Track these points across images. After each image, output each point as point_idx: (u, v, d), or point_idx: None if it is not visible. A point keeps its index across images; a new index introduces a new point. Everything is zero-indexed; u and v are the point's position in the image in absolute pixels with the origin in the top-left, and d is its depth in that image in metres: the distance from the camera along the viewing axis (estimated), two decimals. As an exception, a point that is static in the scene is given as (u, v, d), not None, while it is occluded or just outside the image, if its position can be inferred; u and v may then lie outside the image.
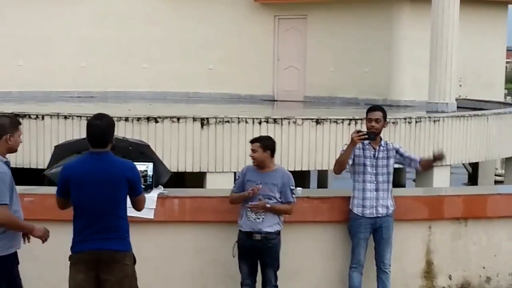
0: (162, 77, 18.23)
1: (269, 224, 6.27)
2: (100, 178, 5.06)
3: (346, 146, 6.59)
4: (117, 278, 5.07)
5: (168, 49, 18.31)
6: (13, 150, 5.40)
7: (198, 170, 11.36)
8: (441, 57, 13.97)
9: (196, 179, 11.75)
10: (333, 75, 18.16)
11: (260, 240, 6.26)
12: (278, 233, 6.33)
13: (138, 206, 5.31)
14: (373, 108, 6.85)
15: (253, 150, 6.37)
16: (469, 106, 15.51)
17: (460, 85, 16.82)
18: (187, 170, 11.39)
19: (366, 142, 6.66)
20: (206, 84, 18.46)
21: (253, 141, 6.46)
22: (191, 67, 18.34)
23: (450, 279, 7.23)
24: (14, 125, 5.39)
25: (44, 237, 5.36)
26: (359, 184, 6.69)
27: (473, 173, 17.23)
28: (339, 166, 6.63)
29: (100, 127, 5.16)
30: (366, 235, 6.70)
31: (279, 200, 6.29)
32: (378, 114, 6.72)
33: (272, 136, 10.97)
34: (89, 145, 5.18)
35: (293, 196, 6.36)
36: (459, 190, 9.33)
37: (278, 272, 6.39)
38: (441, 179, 12.48)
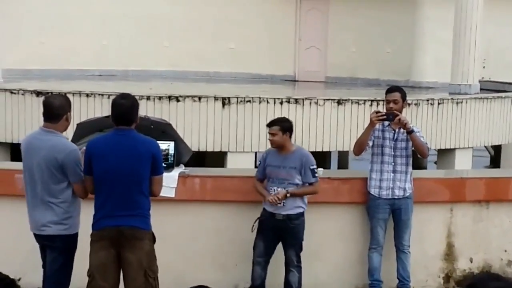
0: (183, 56, 18.20)
1: (291, 207, 6.25)
2: (124, 152, 5.09)
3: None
4: (137, 256, 5.10)
5: (190, 28, 18.26)
6: (66, 129, 5.52)
7: (219, 150, 11.37)
8: (465, 38, 13.83)
9: (217, 158, 11.76)
10: (355, 56, 18.06)
11: (282, 220, 6.25)
12: (301, 214, 6.31)
13: (155, 187, 5.23)
14: (391, 89, 6.82)
15: (272, 134, 6.31)
16: (492, 88, 15.35)
17: (484, 67, 16.65)
18: (208, 150, 11.41)
19: (386, 123, 6.63)
20: (227, 64, 18.41)
21: (271, 124, 6.38)
22: (212, 46, 18.29)
23: (471, 262, 7.20)
24: (69, 103, 5.53)
25: None
26: (377, 165, 6.67)
27: (495, 156, 17.10)
28: (359, 147, 6.62)
29: (125, 106, 5.18)
30: (384, 216, 6.68)
31: (300, 182, 6.24)
32: (396, 95, 6.68)
33: (293, 117, 11.02)
34: (113, 123, 5.21)
35: (316, 175, 6.29)
36: (481, 172, 9.29)
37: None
38: (463, 161, 12.42)
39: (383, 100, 11.60)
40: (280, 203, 6.20)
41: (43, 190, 5.38)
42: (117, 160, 5.07)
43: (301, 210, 6.30)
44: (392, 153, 6.64)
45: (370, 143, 6.65)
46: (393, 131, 6.65)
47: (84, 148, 5.44)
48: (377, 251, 6.72)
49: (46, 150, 5.33)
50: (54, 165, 5.31)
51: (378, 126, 6.67)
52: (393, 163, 6.64)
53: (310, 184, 6.29)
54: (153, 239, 5.26)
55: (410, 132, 6.56)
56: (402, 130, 6.66)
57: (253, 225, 6.39)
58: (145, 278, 5.13)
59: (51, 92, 11.29)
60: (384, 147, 6.65)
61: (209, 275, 6.79)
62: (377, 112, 6.55)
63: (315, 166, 6.33)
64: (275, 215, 6.26)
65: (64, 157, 5.29)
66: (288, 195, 6.17)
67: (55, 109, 5.41)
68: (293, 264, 6.35)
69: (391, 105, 6.64)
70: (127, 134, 5.16)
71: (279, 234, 6.32)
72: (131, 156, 5.09)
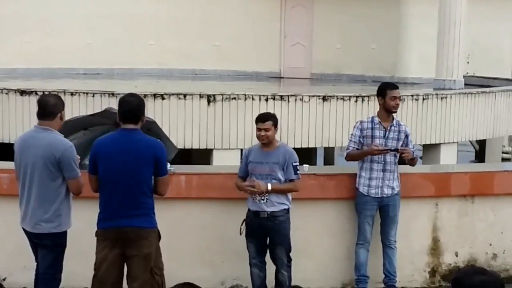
0: (168, 54, 18.18)
1: (275, 204, 6.22)
2: (128, 153, 5.15)
3: (357, 139, 6.63)
4: (142, 254, 5.17)
5: (175, 26, 18.23)
6: (60, 127, 5.57)
7: (204, 147, 11.37)
8: (449, 33, 13.90)
9: (203, 156, 11.76)
10: (340, 52, 18.10)
11: (266, 218, 6.21)
12: (286, 211, 6.27)
13: (161, 188, 5.30)
14: (393, 85, 6.84)
15: (265, 129, 6.23)
16: (477, 83, 15.43)
17: (468, 62, 16.73)
18: (194, 147, 11.40)
19: (377, 121, 6.66)
20: (212, 61, 18.40)
21: (264, 120, 6.30)
22: (198, 44, 18.28)
23: (457, 256, 7.23)
24: (63, 103, 5.61)
25: None
26: (366, 164, 6.67)
27: (480, 150, 17.20)
28: (351, 159, 6.71)
29: (133, 103, 5.28)
30: (372, 213, 6.70)
31: (283, 178, 6.22)
32: (399, 92, 6.74)
33: (279, 114, 11.03)
34: (120, 121, 5.26)
35: (298, 172, 6.26)
36: (466, 167, 9.32)
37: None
38: (448, 156, 12.48)
39: (368, 96, 11.69)
40: (263, 197, 6.15)
41: (39, 187, 5.41)
42: (121, 161, 5.14)
43: (285, 207, 6.26)
44: None
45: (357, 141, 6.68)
46: (384, 129, 6.65)
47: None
48: (364, 247, 6.74)
49: (43, 147, 5.37)
50: (52, 162, 5.35)
51: (367, 124, 6.69)
52: (383, 162, 6.63)
53: (291, 180, 6.24)
54: (159, 237, 5.34)
55: (412, 159, 6.62)
56: (393, 128, 6.67)
57: (241, 228, 6.33)
58: (151, 275, 5.22)
59: (36, 91, 11.24)
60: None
61: (196, 272, 6.79)
62: (384, 149, 6.53)
63: (297, 163, 6.27)
64: (259, 213, 6.22)
65: (61, 153, 5.34)
66: (269, 188, 6.12)
67: (50, 107, 5.47)
68: (282, 264, 6.28)
69: (397, 101, 6.69)
70: (132, 135, 5.22)
71: (265, 232, 6.28)
72: (134, 158, 5.14)
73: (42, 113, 5.49)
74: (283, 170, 6.21)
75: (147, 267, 5.19)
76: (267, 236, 6.32)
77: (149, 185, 5.22)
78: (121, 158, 5.14)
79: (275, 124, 6.31)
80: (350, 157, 6.74)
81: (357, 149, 6.69)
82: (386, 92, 6.69)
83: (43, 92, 11.18)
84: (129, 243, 5.16)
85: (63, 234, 5.54)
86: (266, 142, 6.26)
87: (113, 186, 5.17)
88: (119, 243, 5.17)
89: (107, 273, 5.21)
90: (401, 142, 6.68)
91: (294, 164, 6.23)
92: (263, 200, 6.20)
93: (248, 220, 6.32)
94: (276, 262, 6.33)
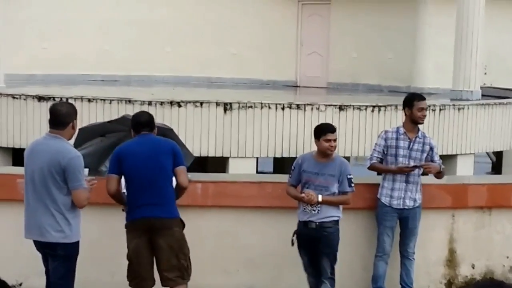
0: (185, 61, 18.20)
1: (325, 215, 6.14)
2: (150, 148, 5.78)
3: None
4: (168, 243, 5.73)
5: (191, 34, 18.27)
6: (72, 137, 5.70)
7: (220, 155, 11.36)
8: (466, 44, 13.82)
9: (219, 164, 11.75)
10: (356, 62, 18.03)
11: (315, 228, 6.13)
12: (335, 222, 6.19)
13: (181, 177, 5.77)
14: (421, 96, 6.82)
15: (334, 140, 6.16)
16: (494, 94, 15.34)
17: (485, 73, 16.64)
18: (210, 155, 11.40)
19: (402, 131, 6.65)
20: (228, 69, 18.40)
21: (334, 130, 6.21)
22: (214, 52, 18.29)
23: (473, 268, 7.18)
24: (76, 111, 5.70)
25: (90, 189, 5.59)
26: (389, 175, 6.64)
27: (497, 162, 17.08)
28: (373, 170, 6.74)
29: (146, 117, 6.01)
30: (392, 224, 6.67)
31: (337, 190, 6.12)
32: (426, 103, 6.73)
33: (295, 123, 11.03)
34: (134, 131, 5.92)
35: (352, 185, 6.18)
36: (483, 178, 9.28)
37: None
38: (464, 167, 12.40)
39: (385, 106, 11.65)
40: (314, 207, 6.10)
41: (44, 195, 5.39)
42: (145, 156, 5.73)
43: (335, 218, 6.18)
44: (406, 162, 6.60)
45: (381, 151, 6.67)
46: (408, 140, 6.62)
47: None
48: (382, 259, 6.69)
49: (50, 154, 5.37)
50: (57, 170, 5.33)
51: (391, 134, 6.68)
52: (406, 174, 6.61)
53: (345, 193, 6.17)
54: (182, 225, 5.90)
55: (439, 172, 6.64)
56: (418, 139, 6.64)
57: (292, 239, 6.28)
58: (177, 260, 5.80)
59: (53, 97, 11.31)
60: (397, 156, 6.62)
61: (211, 280, 6.78)
62: (409, 167, 6.53)
63: (352, 176, 6.21)
64: (308, 224, 6.16)
65: (67, 161, 5.33)
66: (319, 199, 6.05)
67: (62, 117, 5.48)
68: (326, 276, 6.22)
69: (424, 112, 6.66)
70: (150, 136, 5.90)
71: (313, 243, 6.20)
72: (156, 153, 5.76)
73: (54, 121, 5.51)
74: (338, 182, 6.15)
75: (173, 253, 5.75)
76: (315, 246, 6.24)
77: (170, 177, 5.77)
78: (145, 154, 5.73)
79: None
80: (373, 169, 6.74)
81: (381, 158, 6.67)
82: (414, 103, 6.65)
83: (61, 98, 11.25)
84: (155, 233, 5.69)
85: (76, 245, 5.54)
86: (329, 154, 6.17)
87: (140, 180, 5.70)
88: (146, 233, 5.70)
89: (138, 261, 5.76)
90: (425, 154, 6.64)
91: (348, 176, 6.17)
92: (314, 211, 6.14)
93: (298, 231, 6.26)
94: (321, 271, 6.26)
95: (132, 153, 5.78)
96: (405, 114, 6.75)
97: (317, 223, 6.14)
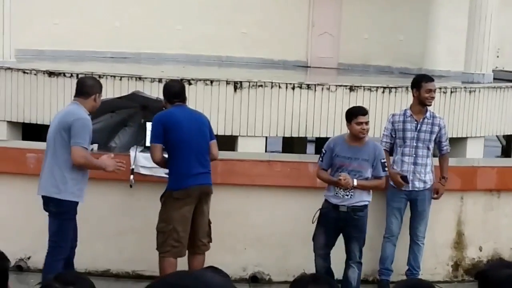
0: (195, 39, 18.14)
1: (358, 200, 6.10)
2: (193, 121, 6.01)
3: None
4: (207, 209, 6.09)
5: (202, 12, 18.19)
6: (94, 109, 5.87)
7: (229, 134, 11.35)
8: (479, 26, 13.71)
9: (228, 142, 11.74)
10: (368, 43, 17.94)
11: (346, 212, 6.09)
12: (366, 206, 6.15)
13: (214, 150, 6.10)
14: (429, 78, 6.73)
15: (366, 123, 6.07)
16: (506, 78, 15.24)
17: (498, 56, 16.52)
18: (219, 133, 11.33)
19: (409, 113, 6.61)
20: (239, 48, 18.33)
21: (366, 113, 6.13)
22: (225, 31, 18.22)
23: (481, 250, 7.18)
24: (101, 86, 5.95)
25: (116, 168, 5.78)
26: (397, 156, 6.62)
27: (506, 146, 17.02)
28: None
29: (178, 87, 6.18)
30: (400, 205, 6.65)
31: (370, 175, 6.07)
32: (434, 85, 6.67)
33: (305, 103, 10.99)
34: (168, 102, 6.06)
35: (385, 169, 6.13)
36: (493, 161, 9.25)
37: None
38: (474, 150, 12.35)
39: (395, 88, 11.60)
40: (347, 192, 6.04)
41: (51, 151, 5.64)
42: (190, 127, 5.94)
43: (366, 203, 6.14)
44: (414, 144, 6.57)
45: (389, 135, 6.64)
46: (415, 122, 6.58)
47: None
48: (390, 241, 6.69)
49: (63, 114, 5.72)
50: (64, 127, 5.56)
51: (398, 117, 6.64)
52: (414, 155, 6.57)
53: (379, 177, 6.10)
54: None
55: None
56: (426, 119, 6.59)
57: (314, 216, 6.23)
58: (209, 226, 6.17)
59: (64, 73, 11.30)
60: (405, 139, 6.58)
61: (218, 258, 6.77)
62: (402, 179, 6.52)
63: (385, 160, 6.16)
64: (339, 207, 6.10)
65: (73, 120, 5.55)
66: (354, 184, 5.98)
67: (86, 87, 5.77)
68: (354, 259, 6.20)
69: (432, 94, 6.60)
70: (186, 108, 6.12)
71: (341, 226, 6.17)
72: (198, 123, 6.03)
73: (77, 90, 5.80)
74: (372, 167, 6.09)
75: (207, 218, 6.10)
76: (341, 230, 6.20)
77: (208, 147, 6.05)
78: (190, 125, 5.95)
79: None
80: None
81: (391, 143, 6.64)
82: (422, 84, 6.59)
83: (71, 74, 11.24)
84: (204, 199, 6.00)
85: (67, 203, 5.64)
86: (362, 137, 6.09)
87: (190, 150, 5.89)
88: (196, 199, 5.94)
89: (185, 228, 5.93)
90: (434, 135, 6.61)
91: (382, 161, 6.11)
92: (347, 195, 6.08)
93: (324, 211, 6.20)
94: (349, 255, 6.23)
95: (177, 124, 5.92)
96: (413, 96, 6.70)
97: (349, 207, 6.09)
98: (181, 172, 5.92)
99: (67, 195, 5.62)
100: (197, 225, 6.05)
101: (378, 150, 6.14)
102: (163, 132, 5.91)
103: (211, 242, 6.20)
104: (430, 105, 6.68)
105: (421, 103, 6.61)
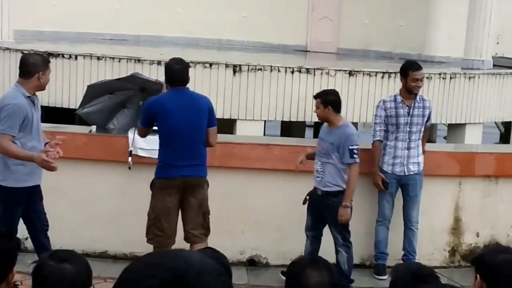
0: (195, 23, 18.09)
1: (327, 183, 6.14)
2: (187, 108, 5.69)
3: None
4: (199, 200, 5.85)
5: (203, -5, 18.13)
6: (42, 88, 5.56)
7: (228, 117, 11.34)
8: (480, 13, 13.67)
9: (226, 125, 11.73)
10: (368, 28, 17.90)
11: (321, 196, 6.17)
12: (341, 192, 6.13)
13: (212, 138, 5.86)
14: (417, 66, 6.62)
15: (316, 107, 6.21)
16: (506, 65, 15.21)
17: (498, 43, 16.49)
18: (218, 117, 11.32)
19: (399, 99, 6.59)
20: (239, 32, 18.29)
21: (315, 97, 6.28)
22: (225, 14, 18.16)
23: (478, 236, 7.19)
24: (45, 63, 5.55)
25: (45, 166, 5.23)
26: (390, 142, 6.62)
27: (505, 132, 17.02)
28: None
29: (180, 69, 5.81)
30: (391, 190, 6.66)
31: (338, 160, 6.08)
32: (422, 73, 6.62)
33: (304, 87, 10.95)
34: (169, 84, 5.81)
35: (354, 156, 6.05)
36: (491, 148, 9.24)
37: None
38: (473, 136, 12.35)
39: (395, 73, 11.57)
40: (319, 174, 6.17)
41: None
42: (182, 116, 5.66)
43: (340, 189, 6.14)
44: (408, 129, 6.56)
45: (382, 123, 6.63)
46: (407, 107, 6.57)
47: None
48: (383, 225, 6.72)
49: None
50: None
51: (390, 104, 6.63)
52: (407, 140, 6.57)
53: (348, 164, 6.08)
54: (208, 184, 5.94)
55: None
56: (417, 103, 6.59)
57: (306, 198, 6.33)
58: (203, 218, 5.93)
59: (63, 54, 11.27)
60: (399, 125, 6.57)
61: (216, 241, 6.78)
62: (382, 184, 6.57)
63: (355, 147, 6.07)
64: (317, 190, 6.23)
65: (1, 106, 5.34)
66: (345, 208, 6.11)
67: (27, 66, 5.45)
68: (339, 243, 6.24)
69: (419, 83, 6.56)
70: (186, 92, 5.80)
71: (320, 210, 6.25)
72: (194, 111, 5.73)
73: (20, 70, 5.50)
74: (338, 153, 6.08)
75: (200, 211, 5.88)
76: (322, 213, 6.27)
77: (204, 136, 5.79)
78: (182, 113, 5.66)
79: (326, 102, 6.16)
80: (373, 148, 6.67)
81: (385, 130, 6.62)
82: (409, 73, 6.54)
83: (70, 55, 11.21)
84: (189, 191, 5.77)
85: (11, 190, 5.43)
86: (319, 120, 6.29)
87: (176, 139, 5.67)
88: (181, 190, 5.76)
89: (168, 219, 5.78)
90: (425, 118, 6.62)
91: (350, 147, 6.05)
92: (318, 178, 6.19)
93: (310, 193, 6.31)
94: (334, 239, 6.29)
95: (169, 111, 5.68)
96: (401, 82, 6.67)
97: (323, 191, 6.17)
98: (166, 162, 5.79)
99: (10, 182, 5.42)
100: (186, 217, 5.92)
101: (345, 136, 6.07)
102: (148, 119, 5.79)
103: (207, 234, 6.01)
104: (416, 93, 6.62)
105: (408, 91, 6.58)
